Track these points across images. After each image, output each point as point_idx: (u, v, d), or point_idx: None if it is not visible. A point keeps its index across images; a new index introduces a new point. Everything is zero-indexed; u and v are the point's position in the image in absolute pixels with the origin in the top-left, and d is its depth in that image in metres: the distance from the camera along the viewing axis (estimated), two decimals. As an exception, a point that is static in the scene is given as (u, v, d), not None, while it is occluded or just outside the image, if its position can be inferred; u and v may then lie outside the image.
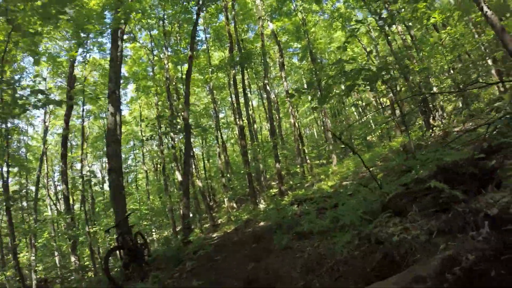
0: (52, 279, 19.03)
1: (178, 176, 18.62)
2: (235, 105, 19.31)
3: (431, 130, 14.10)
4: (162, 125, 17.50)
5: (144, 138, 13.40)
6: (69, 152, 23.75)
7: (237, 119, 18.34)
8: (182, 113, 11.45)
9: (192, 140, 29.46)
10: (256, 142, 20.24)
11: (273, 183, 30.46)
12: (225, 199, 22.75)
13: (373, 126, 28.35)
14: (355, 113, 33.52)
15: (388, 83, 8.68)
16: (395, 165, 10.56)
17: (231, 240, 9.68)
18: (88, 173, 16.11)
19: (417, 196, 4.37)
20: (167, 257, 7.92)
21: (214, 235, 17.58)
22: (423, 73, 14.43)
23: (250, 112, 22.31)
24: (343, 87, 15.45)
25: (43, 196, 23.25)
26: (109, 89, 9.42)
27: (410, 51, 15.68)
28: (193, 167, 24.32)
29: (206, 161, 34.72)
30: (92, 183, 16.34)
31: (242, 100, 18.56)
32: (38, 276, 17.71)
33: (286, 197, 14.64)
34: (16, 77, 12.98)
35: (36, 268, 17.41)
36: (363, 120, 29.96)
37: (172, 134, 16.15)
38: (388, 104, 22.82)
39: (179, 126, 14.93)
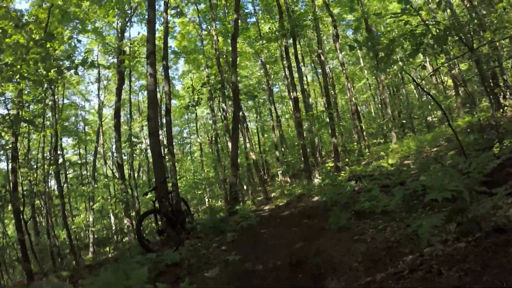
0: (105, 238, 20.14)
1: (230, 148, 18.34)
2: (289, 78, 18.54)
3: (501, 110, 12.40)
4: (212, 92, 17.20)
5: (190, 104, 13.01)
6: (126, 125, 24.46)
7: (291, 92, 17.60)
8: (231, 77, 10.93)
9: (246, 113, 29.22)
10: (311, 112, 19.39)
11: (328, 159, 29.60)
12: (279, 173, 22.33)
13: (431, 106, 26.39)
14: (415, 91, 31.40)
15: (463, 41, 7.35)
16: (471, 141, 9.18)
17: (281, 213, 9.01)
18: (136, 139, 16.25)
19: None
20: (209, 227, 7.37)
21: (266, 207, 17.31)
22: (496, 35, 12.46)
23: (305, 86, 21.46)
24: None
25: (101, 166, 24.31)
26: (147, 51, 9.07)
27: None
28: (247, 140, 24.04)
29: (260, 135, 34.49)
30: (137, 149, 16.46)
31: (296, 75, 17.81)
32: (95, 236, 18.68)
33: (342, 172, 13.81)
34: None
35: (93, 228, 18.28)
36: (423, 99, 28.07)
37: (222, 104, 15.75)
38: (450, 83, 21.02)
39: (227, 93, 14.56)
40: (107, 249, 14.62)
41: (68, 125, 21.76)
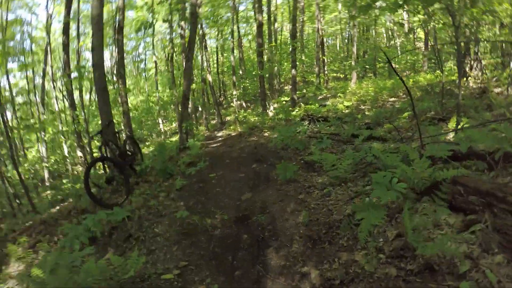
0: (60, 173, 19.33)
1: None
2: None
3: (465, 78, 12.26)
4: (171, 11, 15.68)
5: (143, 25, 11.65)
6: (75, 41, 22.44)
7: (257, 14, 16.48)
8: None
9: (206, 30, 27.61)
10: (274, 43, 18.45)
11: (286, 87, 29.33)
12: (234, 100, 21.83)
13: (399, 53, 26.22)
14: (384, 35, 30.93)
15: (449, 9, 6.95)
16: (426, 109, 9.02)
17: (231, 151, 8.83)
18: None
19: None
20: (158, 169, 7.04)
21: (219, 134, 17.12)
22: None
23: (273, 8, 20.27)
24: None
25: (50, 89, 22.28)
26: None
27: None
28: (205, 59, 22.97)
29: (220, 55, 33.14)
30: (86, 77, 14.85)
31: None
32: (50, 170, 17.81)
33: (297, 109, 13.60)
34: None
35: (46, 164, 17.35)
36: (390, 43, 27.80)
37: (181, 22, 14.45)
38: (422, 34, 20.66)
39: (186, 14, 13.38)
40: (64, 181, 13.80)
41: (13, 44, 19.13)
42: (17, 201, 12.88)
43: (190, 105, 18.35)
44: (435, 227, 2.75)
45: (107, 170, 6.75)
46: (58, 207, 7.70)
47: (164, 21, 12.20)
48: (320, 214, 3.86)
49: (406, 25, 31.44)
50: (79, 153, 12.32)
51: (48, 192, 16.76)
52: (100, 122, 7.32)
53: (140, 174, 7.21)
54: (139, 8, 17.23)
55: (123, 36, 12.84)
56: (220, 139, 14.68)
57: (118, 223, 4.87)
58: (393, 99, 12.78)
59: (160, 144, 9.57)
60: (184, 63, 9.58)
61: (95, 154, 10.85)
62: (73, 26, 14.97)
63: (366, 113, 11.17)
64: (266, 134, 11.04)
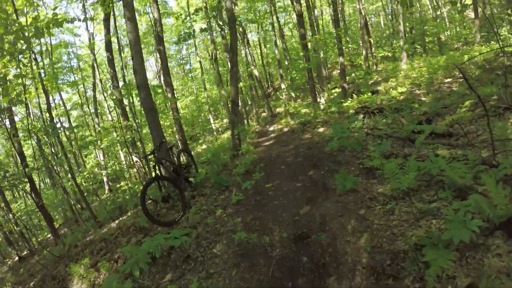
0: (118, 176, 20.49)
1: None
2: None
3: None
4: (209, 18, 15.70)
5: (181, 38, 11.61)
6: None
7: (295, 3, 16.03)
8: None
9: (246, 26, 27.43)
10: (316, 34, 17.90)
11: (334, 72, 28.55)
12: (283, 93, 21.64)
13: (447, 24, 24.56)
14: (429, 5, 29.04)
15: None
16: (488, 95, 8.05)
17: (285, 153, 8.74)
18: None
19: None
20: (213, 181, 7.08)
21: (271, 129, 17.06)
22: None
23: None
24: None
25: (101, 102, 23.53)
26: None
27: None
28: (249, 55, 22.90)
29: (263, 47, 32.95)
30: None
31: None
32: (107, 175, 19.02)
33: (349, 99, 13.19)
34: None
35: (104, 171, 18.62)
36: (437, 14, 26.04)
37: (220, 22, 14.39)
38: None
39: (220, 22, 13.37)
40: (122, 183, 14.72)
41: (62, 65, 20.32)
42: (79, 205, 13.87)
43: (239, 103, 18.50)
44: (508, 277, 2.44)
45: (163, 188, 6.88)
46: (117, 222, 8.10)
47: (202, 30, 12.16)
48: (384, 239, 3.65)
49: None
50: (134, 158, 12.89)
51: (107, 194, 17.91)
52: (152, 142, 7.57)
53: (195, 187, 7.31)
54: (177, 14, 17.46)
55: (164, 45, 13.03)
56: (272, 135, 14.60)
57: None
58: (448, 79, 12.00)
59: (213, 153, 9.68)
60: (229, 67, 9.55)
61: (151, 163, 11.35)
62: (115, 40, 15.60)
63: (423, 98, 10.60)
64: (319, 130, 10.84)
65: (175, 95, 13.01)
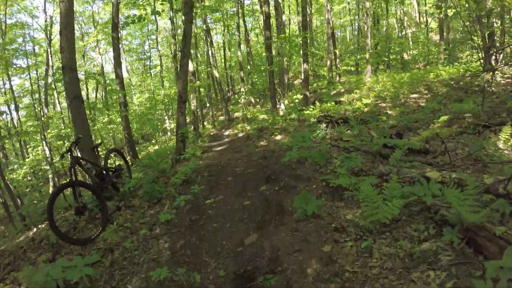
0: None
1: (190, 66, 16.10)
2: None
3: (491, 73, 10.22)
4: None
5: (135, 18, 10.06)
6: (81, 41, 21.50)
7: (263, 6, 14.99)
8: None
9: (212, 25, 26.17)
10: (282, 34, 16.86)
11: (296, 81, 27.72)
12: (242, 96, 20.45)
13: (411, 44, 24.50)
14: (396, 25, 29.08)
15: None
16: (468, 111, 7.29)
17: (236, 161, 7.42)
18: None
19: None
20: (145, 191, 5.58)
21: (226, 133, 15.80)
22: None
23: (279, 0, 18.72)
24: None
25: (52, 90, 21.19)
26: None
27: None
28: (211, 55, 21.61)
29: (227, 50, 31.80)
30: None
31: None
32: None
33: (311, 107, 12.12)
34: None
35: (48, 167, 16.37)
36: (402, 34, 26.12)
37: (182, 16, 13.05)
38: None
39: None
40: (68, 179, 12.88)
41: (15, 47, 18.15)
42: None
43: (195, 103, 17.02)
44: None
45: (81, 197, 5.22)
46: (35, 230, 6.43)
47: (153, 12, 10.84)
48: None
49: (416, 15, 29.73)
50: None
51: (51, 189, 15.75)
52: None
53: (123, 196, 5.82)
54: (141, 5, 16.01)
55: (118, 32, 11.68)
56: (226, 139, 13.41)
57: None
58: (414, 95, 11.29)
59: (151, 157, 8.19)
60: (181, 58, 8.10)
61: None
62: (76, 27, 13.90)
63: (389, 112, 9.74)
64: (277, 137, 9.68)
65: (126, 89, 11.53)
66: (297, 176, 5.23)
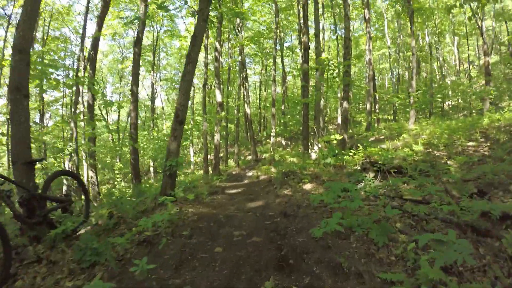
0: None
1: (218, 96, 14.22)
2: (302, 27, 13.95)
3: None
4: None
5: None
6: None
7: (302, 36, 13.13)
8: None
9: (248, 60, 24.80)
10: (323, 57, 14.45)
11: (330, 126, 25.45)
12: (271, 135, 18.28)
13: (450, 92, 21.86)
14: (437, 71, 26.68)
15: None
16: None
17: (242, 218, 4.98)
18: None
19: None
20: (77, 245, 3.28)
21: (249, 174, 13.57)
22: None
23: (321, 41, 16.86)
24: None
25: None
26: None
27: None
28: (244, 90, 19.86)
29: (263, 90, 30.44)
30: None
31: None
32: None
33: (351, 152, 9.55)
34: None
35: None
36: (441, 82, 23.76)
37: (216, 43, 11.44)
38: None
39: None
40: None
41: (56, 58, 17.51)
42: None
43: (218, 137, 14.93)
44: None
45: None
46: None
47: (159, 7, 9.75)
48: None
49: (456, 63, 27.11)
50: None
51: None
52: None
53: (53, 240, 3.55)
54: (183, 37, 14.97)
55: (141, 48, 10.64)
56: (245, 181, 11.26)
57: None
58: (471, 143, 8.70)
59: (121, 196, 5.92)
60: (186, 64, 6.01)
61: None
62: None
63: (449, 162, 7.20)
64: (306, 186, 7.29)
65: (157, 117, 10.13)
66: (337, 265, 2.80)
